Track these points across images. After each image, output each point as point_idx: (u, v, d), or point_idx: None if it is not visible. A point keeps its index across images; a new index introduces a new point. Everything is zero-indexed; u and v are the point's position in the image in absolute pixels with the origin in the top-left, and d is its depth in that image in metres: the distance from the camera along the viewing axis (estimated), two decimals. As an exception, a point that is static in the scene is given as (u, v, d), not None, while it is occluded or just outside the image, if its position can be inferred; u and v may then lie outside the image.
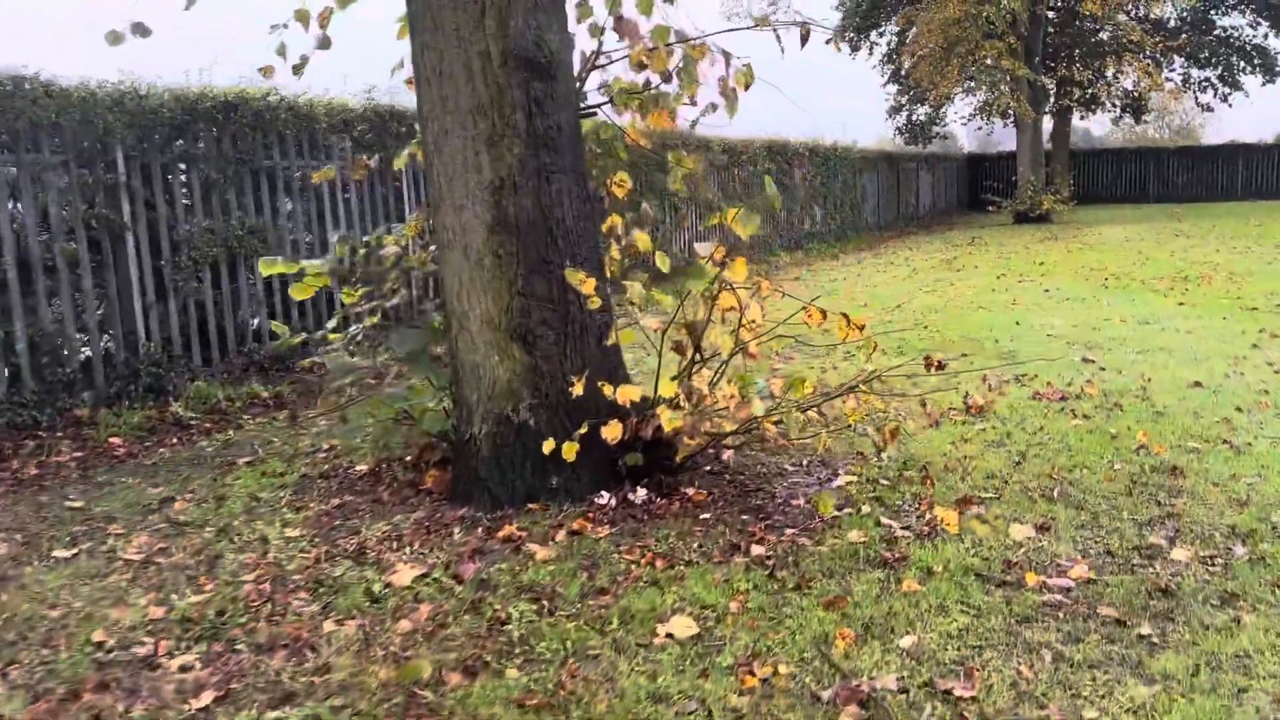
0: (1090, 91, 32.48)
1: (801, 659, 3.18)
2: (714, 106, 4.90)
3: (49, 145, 7.15)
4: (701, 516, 4.48)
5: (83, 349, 7.56)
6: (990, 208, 28.51)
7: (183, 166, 8.24)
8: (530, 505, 4.56)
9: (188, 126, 8.14)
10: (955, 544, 4.06)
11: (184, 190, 8.26)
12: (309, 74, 5.23)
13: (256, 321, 8.93)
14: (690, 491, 4.77)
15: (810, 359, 7.96)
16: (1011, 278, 14.00)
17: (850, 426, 4.52)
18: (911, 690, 2.98)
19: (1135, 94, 32.19)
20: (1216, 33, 32.30)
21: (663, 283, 5.17)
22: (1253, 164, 34.04)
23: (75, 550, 4.47)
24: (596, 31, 5.16)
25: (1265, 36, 32.12)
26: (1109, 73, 30.75)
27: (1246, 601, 3.50)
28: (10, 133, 6.90)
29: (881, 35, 35.20)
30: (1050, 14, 29.56)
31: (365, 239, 5.27)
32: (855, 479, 5.00)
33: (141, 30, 4.20)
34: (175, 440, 6.88)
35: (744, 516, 4.49)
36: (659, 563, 3.92)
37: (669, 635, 3.32)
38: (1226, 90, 33.34)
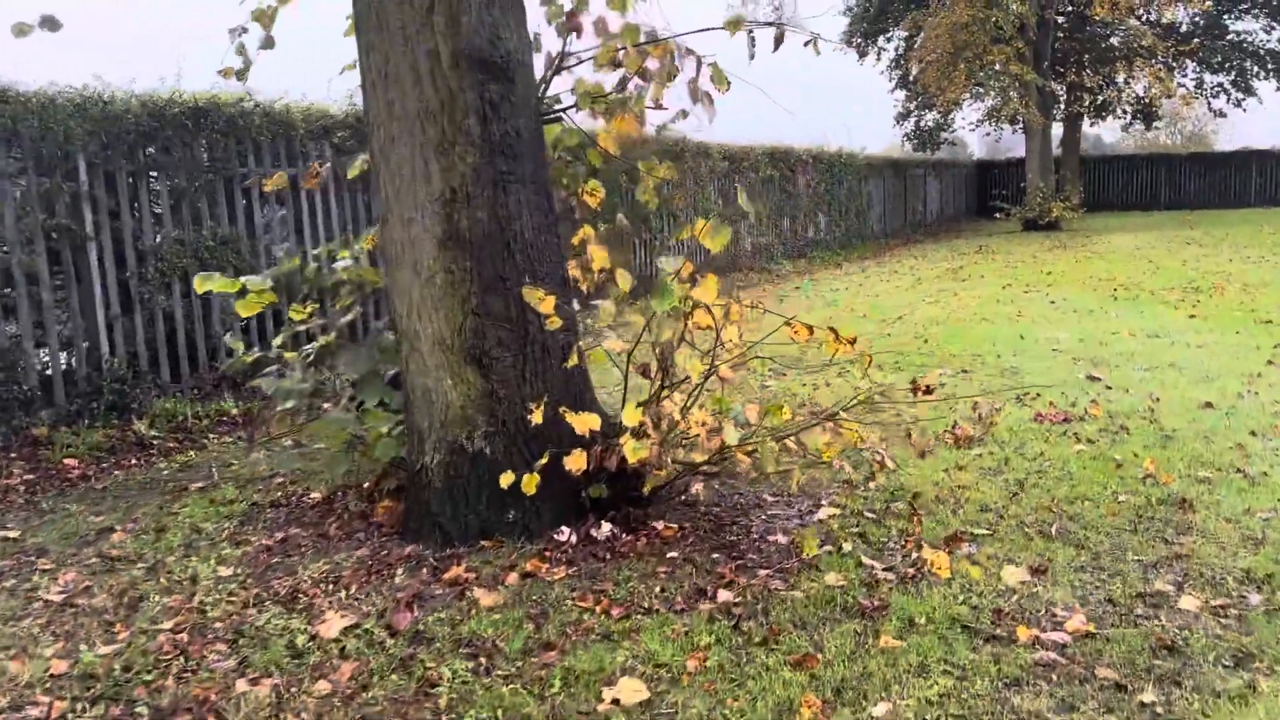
0: (1101, 97, 32.05)
1: (761, 730, 2.83)
2: (685, 113, 4.56)
3: (5, 153, 6.85)
4: (669, 555, 4.12)
5: (42, 365, 7.26)
6: (998, 215, 28.09)
7: (152, 175, 7.93)
8: (484, 542, 4.21)
9: (156, 133, 7.83)
10: (942, 589, 3.70)
11: (152, 199, 7.95)
12: (290, 79, 4.94)
13: (230, 335, 8.60)
14: (659, 526, 4.42)
15: (803, 376, 7.60)
16: (1018, 288, 13.62)
17: (827, 462, 4.17)
18: (882, 771, 2.62)
19: (1146, 100, 31.74)
20: (1229, 37, 31.81)
21: (640, 300, 4.83)
22: (1266, 170, 33.55)
23: (-6, 589, 4.15)
24: (564, 31, 4.82)
25: (1279, 41, 31.65)
26: (1120, 78, 30.31)
27: (1263, 662, 3.13)
28: (-39, 140, 6.61)
29: (889, 41, 34.83)
30: (1059, 19, 29.14)
31: (314, 252, 4.94)
32: (838, 511, 4.64)
33: (50, 24, 3.88)
34: (134, 461, 6.57)
35: (714, 555, 4.14)
36: (615, 611, 3.56)
37: (615, 701, 2.97)
38: (1240, 96, 32.83)
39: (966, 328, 10.26)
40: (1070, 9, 29.61)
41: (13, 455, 6.56)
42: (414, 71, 4.10)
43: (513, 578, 3.86)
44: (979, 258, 19.09)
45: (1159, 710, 2.88)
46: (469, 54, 4.11)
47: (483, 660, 3.24)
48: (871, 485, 4.91)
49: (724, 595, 3.68)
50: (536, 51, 4.82)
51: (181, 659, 3.36)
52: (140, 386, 7.60)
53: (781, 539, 4.30)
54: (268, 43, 4.53)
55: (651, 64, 4.68)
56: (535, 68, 4.74)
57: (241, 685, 3.15)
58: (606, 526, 4.34)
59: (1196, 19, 31.19)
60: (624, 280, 4.15)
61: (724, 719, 2.88)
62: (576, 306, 5.04)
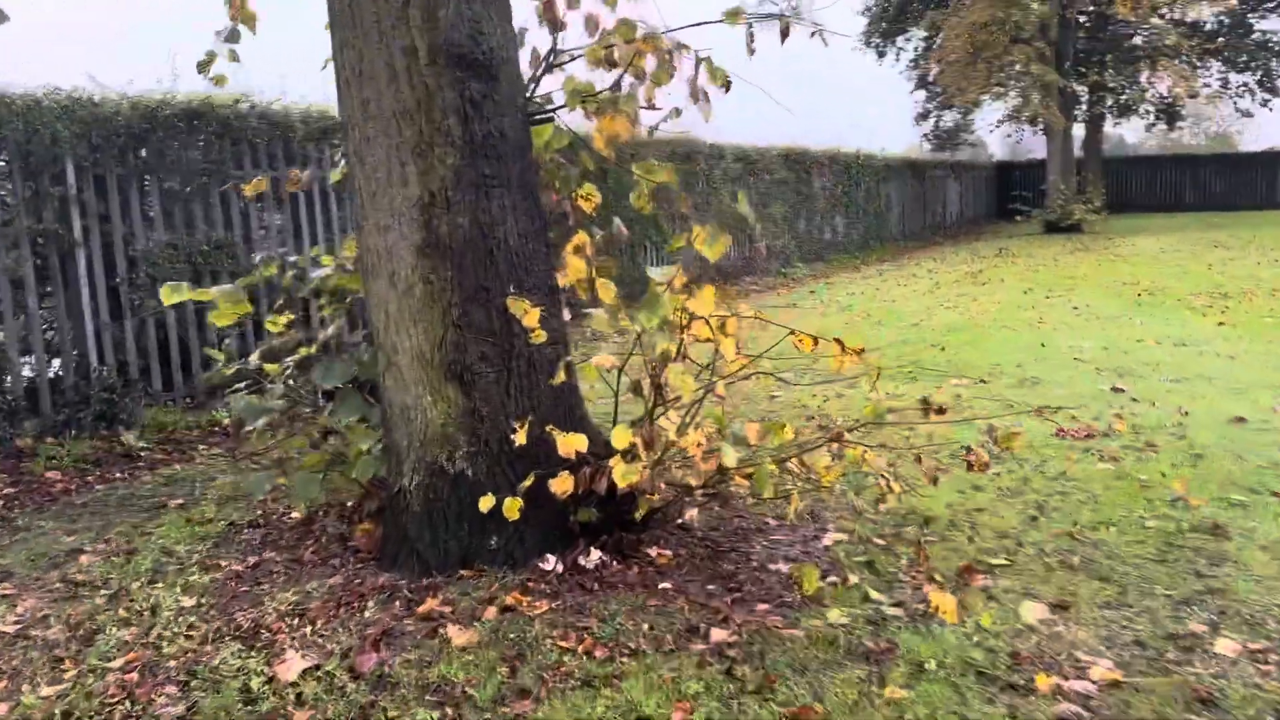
0: (1123, 98, 31.55)
1: (750, 796, 2.55)
2: (678, 111, 4.28)
3: (-11, 156, 6.65)
4: (661, 586, 3.84)
5: (27, 373, 7.05)
6: (1019, 217, 27.64)
7: (145, 178, 7.71)
8: (464, 571, 3.94)
9: (148, 136, 7.61)
10: (954, 628, 3.41)
11: (144, 203, 7.72)
12: (291, 81, 4.66)
13: (228, 341, 8.38)
14: (653, 553, 4.14)
15: (813, 386, 7.30)
16: (1039, 293, 13.27)
17: (827, 487, 3.89)
18: None
19: (1170, 100, 31.22)
20: (1255, 36, 31.23)
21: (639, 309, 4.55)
22: (1293, 171, 32.95)
23: (-55, 619, 3.91)
24: (556, 26, 4.54)
25: (1306, 40, 31.08)
26: (1143, 78, 29.80)
27: (1310, 719, 2.83)
28: (-57, 142, 6.40)
29: (908, 41, 34.45)
30: (1081, 18, 28.69)
31: (293, 259, 4.68)
32: (845, 537, 4.35)
33: (-1, 17, 3.64)
34: (119, 474, 6.34)
35: (710, 587, 3.85)
36: (598, 652, 3.29)
37: (590, 760, 2.70)
38: (1265, 95, 32.23)
39: (985, 335, 9.93)
40: (1092, 8, 29.13)
41: (-5, 467, 6.35)
42: (389, 68, 3.84)
43: (491, 612, 3.58)
44: (999, 261, 18.72)
45: (1195, 776, 2.58)
46: (448, 50, 3.84)
47: (449, 710, 2.97)
48: (881, 508, 4.62)
49: (718, 634, 3.39)
50: (522, 47, 4.56)
51: (128, 702, 3.11)
52: (130, 395, 7.38)
53: (784, 568, 4.02)
54: (232, 35, 4.27)
55: (649, 61, 4.40)
56: (524, 66, 4.48)
57: (186, 736, 2.90)
58: (596, 554, 4.06)
59: (1221, 17, 30.64)
60: (607, 292, 3.88)
61: (709, 783, 2.61)
62: (568, 316, 4.77)
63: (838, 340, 3.96)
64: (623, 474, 3.76)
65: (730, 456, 3.96)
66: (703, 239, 3.95)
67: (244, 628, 3.60)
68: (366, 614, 3.65)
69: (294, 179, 4.97)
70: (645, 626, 3.48)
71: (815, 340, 3.98)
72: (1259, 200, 32.56)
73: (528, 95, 4.42)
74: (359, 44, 3.87)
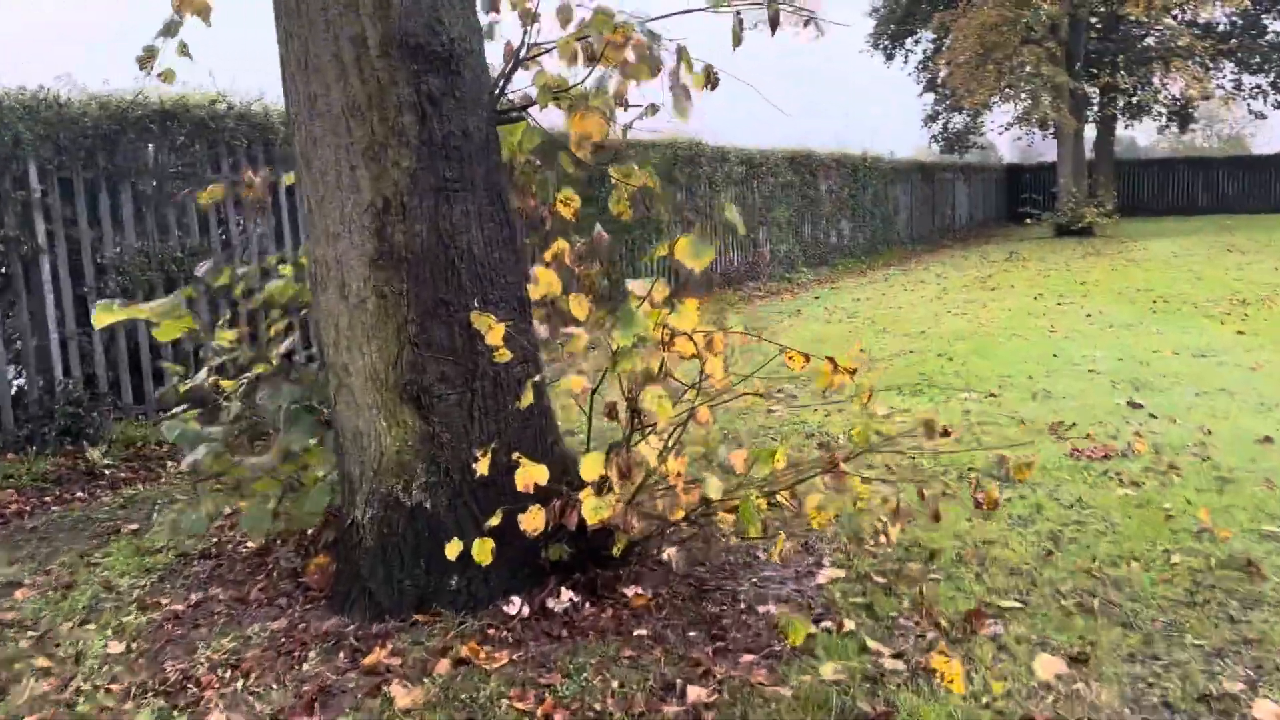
0: (1135, 99, 31.07)
1: None
2: (654, 108, 3.92)
3: (-56, 158, 6.32)
4: (636, 632, 3.47)
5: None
6: (1029, 220, 27.20)
7: (115, 182, 7.37)
8: (418, 616, 3.57)
9: (118, 137, 7.28)
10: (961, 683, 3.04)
11: (114, 208, 7.39)
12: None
13: (203, 351, 8.03)
14: (630, 593, 3.77)
15: (814, 402, 6.93)
16: (1050, 299, 12.86)
17: (818, 530, 3.53)
18: None
19: (1182, 101, 30.74)
20: (1269, 37, 30.72)
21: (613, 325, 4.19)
22: (1307, 174, 32.43)
23: None
24: (529, 17, 4.18)
25: (1320, 41, 30.56)
26: (1155, 79, 29.31)
27: (1371, 805, 2.46)
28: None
29: (917, 43, 34.05)
30: (1092, 19, 28.22)
31: (242, 271, 4.33)
32: (843, 574, 3.98)
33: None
34: (80, 494, 6.01)
35: (691, 633, 3.49)
36: (558, 716, 2.92)
37: None
38: (1279, 97, 31.74)
39: (995, 344, 9.54)
40: (1104, 9, 28.66)
41: (-50, 487, 6.02)
42: (337, 61, 3.48)
43: (444, 665, 3.22)
44: (1009, 266, 18.30)
45: None
46: (402, 40, 3.49)
47: (384, 787, 2.61)
48: (882, 539, 4.24)
49: (695, 693, 3.03)
50: (493, 40, 4.21)
51: (26, 774, 2.76)
52: (99, 409, 7.05)
53: (773, 610, 3.65)
54: (170, 28, 3.91)
55: (628, 55, 4.04)
56: (499, 60, 4.14)
57: (82, 818, 2.54)
58: (567, 595, 3.70)
59: (1234, 18, 30.16)
60: (579, 308, 3.52)
61: None
62: (545, 333, 4.42)
63: (830, 358, 3.61)
64: (593, 509, 3.40)
65: (714, 488, 3.61)
66: (685, 249, 3.59)
67: (171, 681, 3.24)
68: (306, 665, 3.29)
69: (248, 184, 4.61)
70: (615, 684, 3.12)
71: (807, 358, 3.64)
72: (1273, 203, 32.04)
73: (497, 92, 4.06)
74: (304, 33, 3.51)
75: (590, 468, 3.42)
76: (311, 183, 3.63)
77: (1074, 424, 6.18)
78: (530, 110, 4.27)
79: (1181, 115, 32.71)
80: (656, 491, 3.83)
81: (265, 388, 4.02)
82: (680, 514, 3.63)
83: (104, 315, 3.86)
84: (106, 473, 6.44)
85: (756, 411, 6.91)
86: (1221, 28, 30.36)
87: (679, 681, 3.11)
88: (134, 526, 5.14)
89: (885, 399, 7.13)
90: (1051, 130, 28.58)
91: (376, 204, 3.55)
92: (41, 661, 3.49)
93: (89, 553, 4.75)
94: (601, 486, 3.49)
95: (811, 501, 3.44)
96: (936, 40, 31.52)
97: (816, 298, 14.82)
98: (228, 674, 3.26)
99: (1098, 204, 25.95)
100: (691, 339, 3.63)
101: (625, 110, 3.87)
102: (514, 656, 3.29)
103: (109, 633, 3.70)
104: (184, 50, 4.31)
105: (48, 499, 5.92)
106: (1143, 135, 58.58)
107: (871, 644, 3.34)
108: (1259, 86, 31.81)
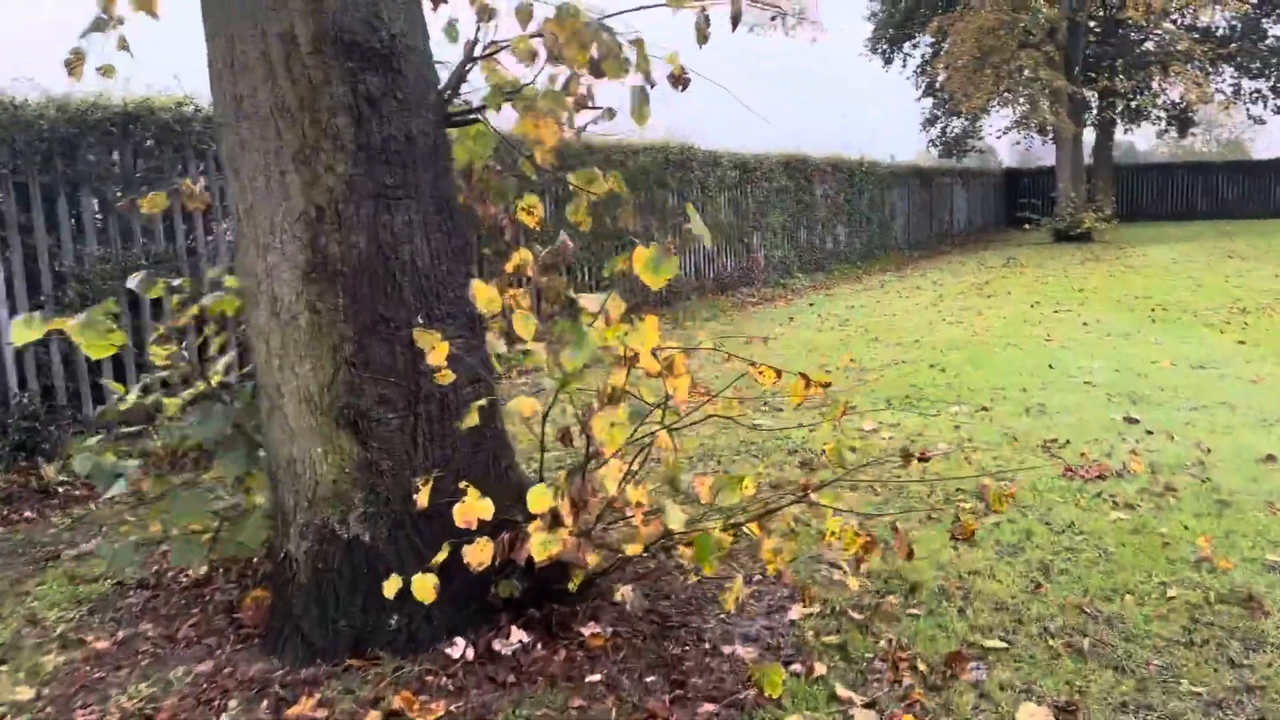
0: (1134, 104, 30.80)
1: None
2: (612, 112, 3.65)
3: (-111, 163, 6.06)
4: (589, 678, 3.21)
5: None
6: (1027, 225, 26.91)
7: (74, 187, 7.11)
8: (352, 660, 3.30)
9: (78, 141, 7.02)
10: (937, 741, 2.78)
11: (74, 214, 7.13)
12: None
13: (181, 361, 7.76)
14: (587, 632, 3.50)
15: (800, 414, 6.66)
16: (1047, 306, 12.60)
17: (774, 573, 3.26)
18: None
19: (1182, 106, 30.49)
20: (1269, 41, 30.47)
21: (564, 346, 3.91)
22: (1308, 179, 32.17)
23: None
24: (485, 13, 3.91)
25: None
26: (1154, 83, 29.05)
27: None
28: None
29: (915, 47, 33.81)
30: (1091, 23, 27.98)
31: (175, 283, 4.07)
32: (816, 610, 3.71)
33: None
34: (29, 515, 5.75)
35: (650, 678, 3.22)
36: (492, 777, 2.66)
37: None
38: (1278, 102, 31.49)
39: (989, 353, 9.27)
40: (1102, 13, 28.44)
41: (-106, 507, 5.76)
42: (265, 59, 3.22)
43: (374, 718, 2.95)
44: (1006, 272, 18.04)
45: None
46: (336, 37, 3.23)
47: None
48: (862, 568, 3.97)
49: (644, 750, 2.76)
50: (453, 42, 3.94)
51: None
52: (56, 423, 6.78)
53: (740, 650, 3.38)
54: (98, 24, 3.65)
55: (594, 53, 3.77)
56: (455, 59, 3.87)
57: None
58: (517, 635, 3.43)
59: (1234, 22, 29.92)
60: (524, 327, 3.25)
61: None
62: (503, 348, 4.15)
63: (803, 374, 3.35)
64: (541, 544, 3.14)
65: (675, 519, 3.33)
66: (644, 262, 3.32)
67: (76, 735, 2.98)
68: (225, 717, 3.02)
69: (187, 192, 4.34)
70: (559, 738, 2.85)
71: (778, 374, 3.38)
72: (1273, 208, 31.78)
73: (449, 93, 3.80)
74: (230, 29, 3.25)
75: (537, 501, 3.16)
76: (240, 190, 3.37)
77: (1068, 441, 5.92)
78: (490, 112, 4.00)
79: (1181, 120, 32.47)
80: (615, 522, 3.57)
81: (195, 411, 3.75)
82: (638, 548, 3.36)
83: (22, 331, 3.59)
84: (60, 490, 6.18)
85: (739, 427, 6.64)
86: (1221, 32, 30.12)
87: (629, 736, 2.85)
88: (76, 552, 4.88)
89: (874, 413, 6.86)
90: (1050, 135, 28.34)
91: (309, 212, 3.28)
92: (-56, 709, 3.23)
93: (23, 580, 4.48)
94: (553, 519, 3.23)
95: (768, 545, 3.17)
96: (935, 44, 31.27)
97: (810, 304, 14.55)
98: (139, 726, 3.00)
99: (1096, 209, 25.71)
100: (655, 357, 3.37)
101: (580, 112, 3.59)
102: (451, 708, 3.02)
103: (22, 675, 3.43)
104: (123, 45, 4.05)
105: (-6, 520, 5.65)
106: (1142, 140, 58.28)
107: (842, 691, 3.08)
108: (1259, 91, 31.55)
